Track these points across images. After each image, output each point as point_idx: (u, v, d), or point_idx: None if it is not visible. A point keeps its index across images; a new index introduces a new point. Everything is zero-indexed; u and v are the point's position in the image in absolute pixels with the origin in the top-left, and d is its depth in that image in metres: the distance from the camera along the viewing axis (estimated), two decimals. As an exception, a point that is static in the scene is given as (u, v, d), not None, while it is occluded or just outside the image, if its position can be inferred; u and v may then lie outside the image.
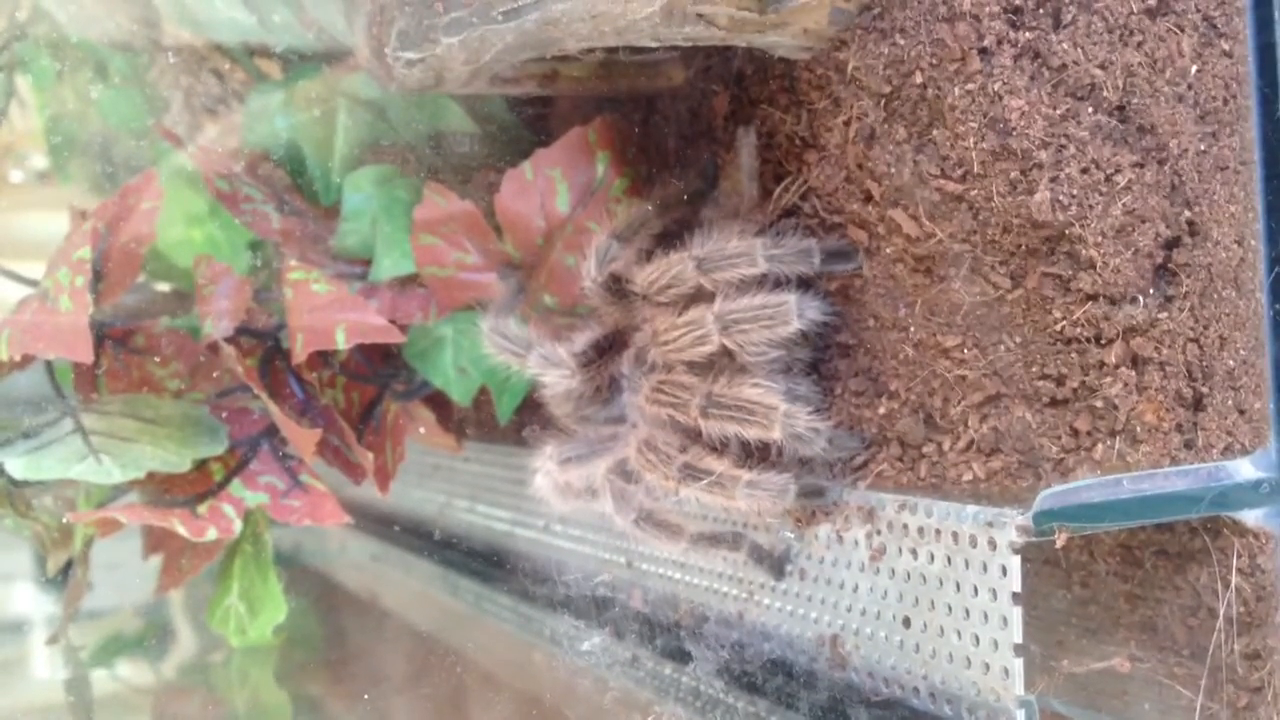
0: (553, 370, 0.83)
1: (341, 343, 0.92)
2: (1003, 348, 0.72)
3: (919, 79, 0.70)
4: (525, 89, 0.89)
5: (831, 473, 0.80)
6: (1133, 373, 0.67)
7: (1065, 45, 0.66)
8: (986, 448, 0.73)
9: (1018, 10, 0.67)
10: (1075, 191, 0.66)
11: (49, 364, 0.98)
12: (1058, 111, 0.66)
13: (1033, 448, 0.71)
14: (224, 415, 0.98)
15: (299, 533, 1.07)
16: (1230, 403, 0.69)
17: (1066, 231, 0.66)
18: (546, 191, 0.95)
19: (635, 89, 0.93)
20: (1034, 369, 0.71)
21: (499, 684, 1.03)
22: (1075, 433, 0.69)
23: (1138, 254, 0.67)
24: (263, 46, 1.06)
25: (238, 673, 1.10)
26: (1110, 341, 0.68)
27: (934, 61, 0.69)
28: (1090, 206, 0.66)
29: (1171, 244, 0.68)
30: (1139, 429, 0.67)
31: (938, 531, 0.71)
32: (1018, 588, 0.65)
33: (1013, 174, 0.67)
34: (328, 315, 0.93)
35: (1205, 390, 0.68)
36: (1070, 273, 0.68)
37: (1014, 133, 0.66)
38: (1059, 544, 0.65)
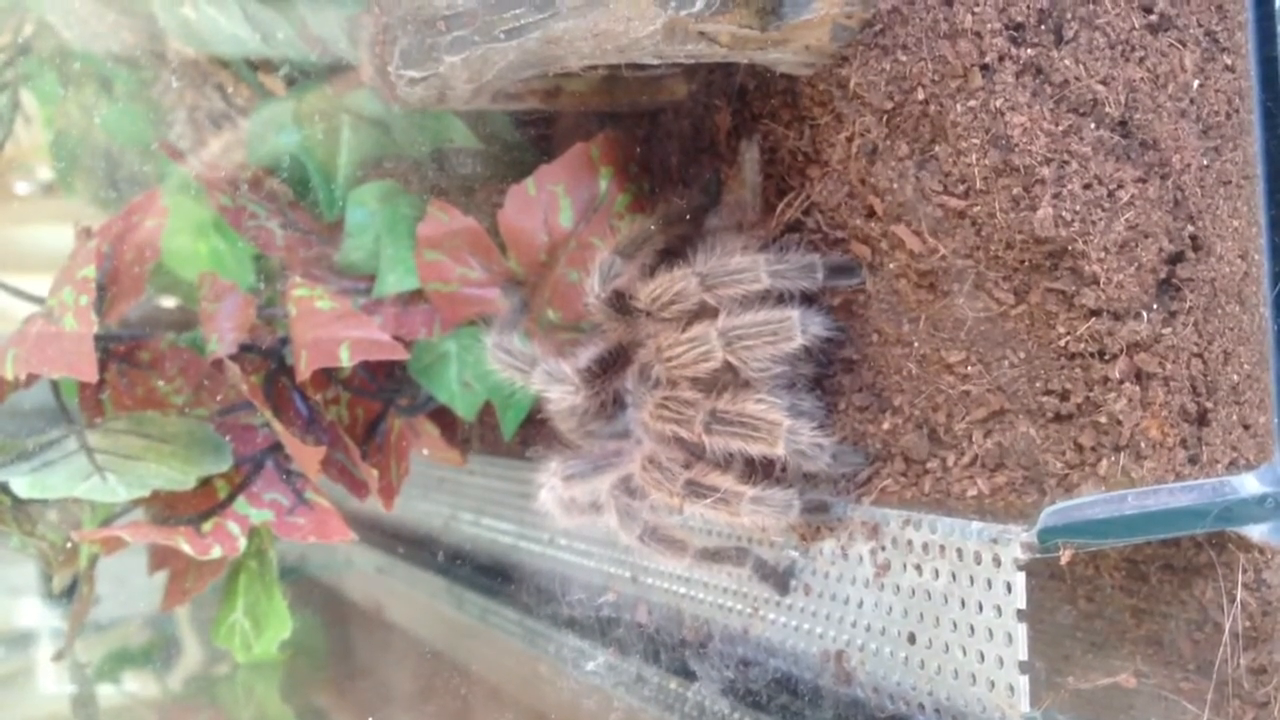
0: (557, 386, 0.83)
1: (346, 359, 0.92)
2: (1006, 363, 0.72)
3: (921, 95, 0.70)
4: (528, 105, 0.90)
5: (835, 488, 0.79)
6: (1137, 388, 0.67)
7: (1067, 61, 0.66)
8: (991, 463, 0.73)
9: (1019, 27, 0.67)
10: (1078, 207, 0.66)
11: (54, 382, 0.99)
12: (1060, 127, 0.66)
13: (1037, 463, 0.71)
14: (228, 433, 0.98)
15: (304, 545, 1.07)
16: (1235, 418, 0.69)
17: (1069, 247, 0.66)
18: (550, 207, 0.96)
19: (638, 105, 0.93)
20: (1038, 384, 0.71)
21: (504, 699, 1.03)
22: (1080, 448, 0.69)
23: (1141, 269, 0.67)
24: (266, 63, 1.06)
25: (243, 687, 1.10)
26: (1114, 357, 0.67)
27: (936, 78, 0.69)
28: (1093, 222, 0.66)
29: (1175, 259, 0.68)
30: (1143, 444, 0.67)
31: (942, 547, 0.71)
32: (1023, 604, 0.65)
33: (1015, 190, 0.67)
34: (332, 331, 0.93)
35: (1209, 405, 0.68)
36: (1074, 288, 0.68)
37: (1016, 149, 0.66)
38: (1064, 560, 0.64)
